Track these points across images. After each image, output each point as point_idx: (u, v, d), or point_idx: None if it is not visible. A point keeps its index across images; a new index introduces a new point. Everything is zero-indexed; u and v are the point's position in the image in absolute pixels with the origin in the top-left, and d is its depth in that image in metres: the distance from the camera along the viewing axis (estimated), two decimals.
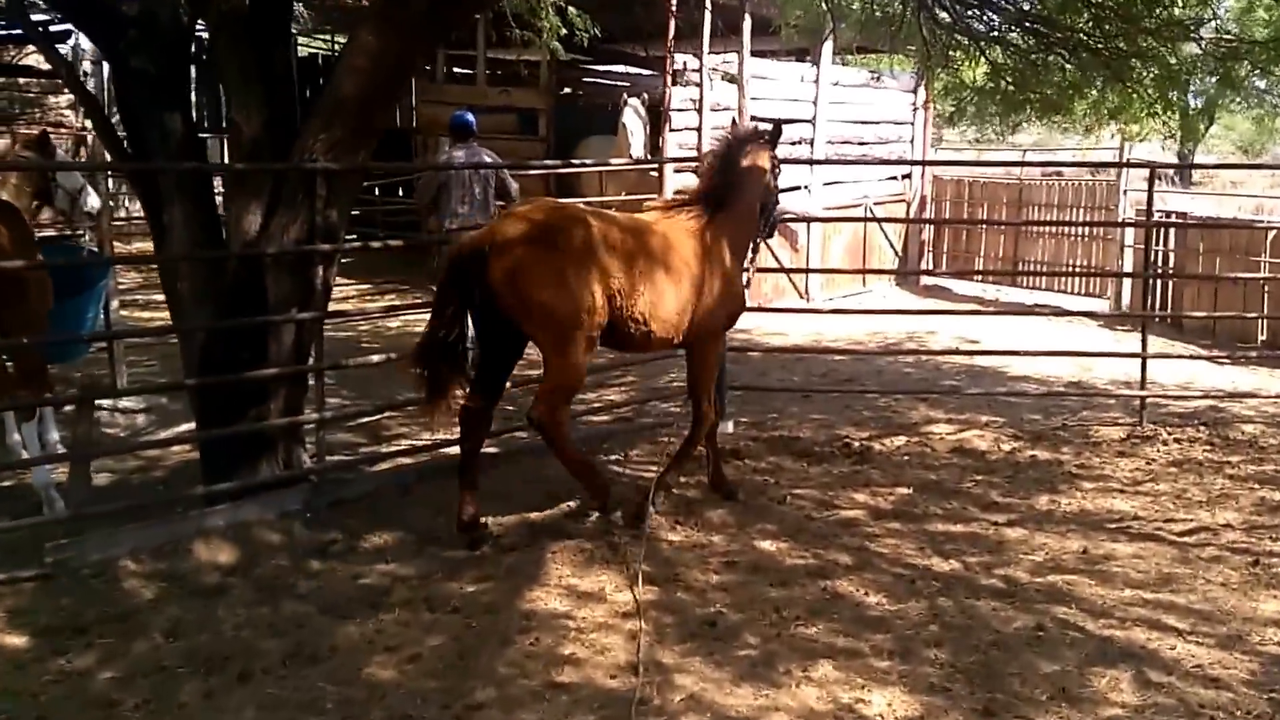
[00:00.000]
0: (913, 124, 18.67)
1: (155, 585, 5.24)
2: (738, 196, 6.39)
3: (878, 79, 15.98)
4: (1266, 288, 12.79)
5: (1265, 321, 13.08)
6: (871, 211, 17.51)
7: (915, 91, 18.42)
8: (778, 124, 6.75)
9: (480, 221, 9.74)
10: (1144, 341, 8.39)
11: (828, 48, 16.41)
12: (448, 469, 6.36)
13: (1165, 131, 9.90)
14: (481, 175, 9.34)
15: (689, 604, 5.11)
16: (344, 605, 5.08)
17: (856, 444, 7.77)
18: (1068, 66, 9.75)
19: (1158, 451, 7.77)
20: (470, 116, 9.84)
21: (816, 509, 6.45)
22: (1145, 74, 9.62)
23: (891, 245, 18.30)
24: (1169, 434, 8.08)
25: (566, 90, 18.36)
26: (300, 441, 6.50)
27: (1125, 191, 15.87)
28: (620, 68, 19.47)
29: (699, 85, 14.15)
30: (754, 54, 15.32)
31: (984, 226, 18.36)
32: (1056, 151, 24.59)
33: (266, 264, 5.96)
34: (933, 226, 19.02)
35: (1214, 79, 9.61)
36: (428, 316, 5.79)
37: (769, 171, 6.63)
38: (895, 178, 18.53)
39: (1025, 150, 22.63)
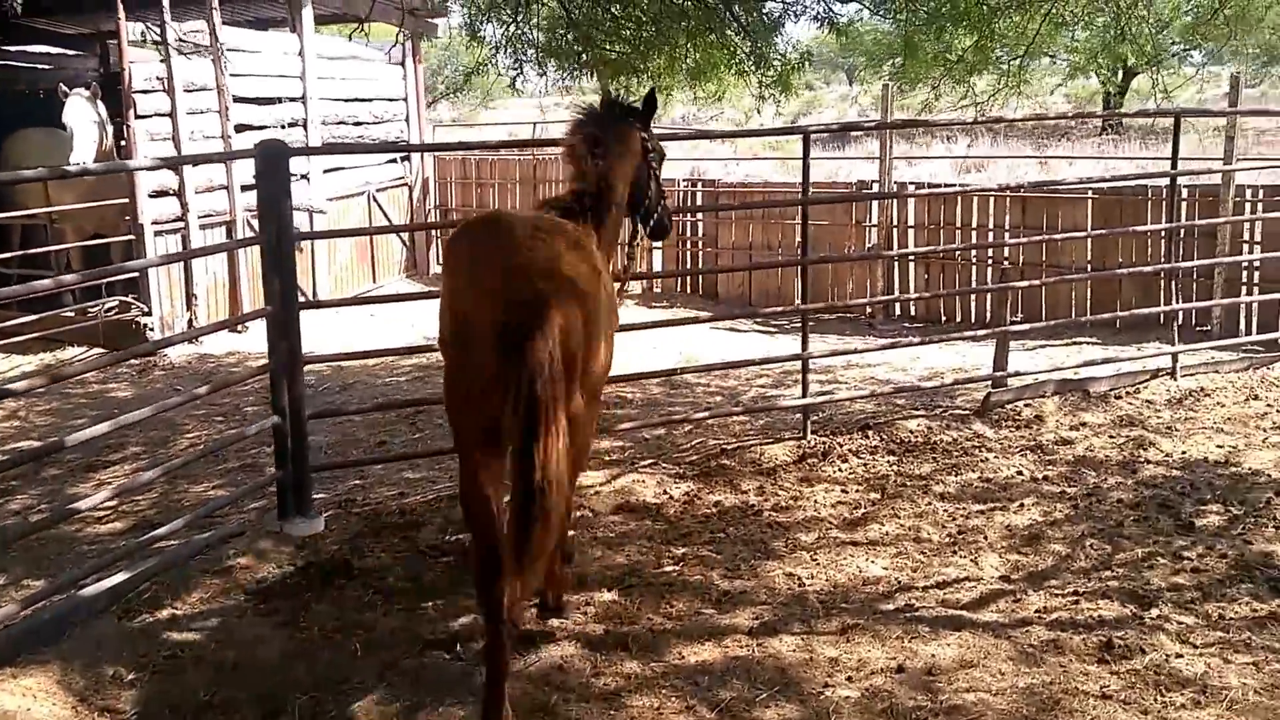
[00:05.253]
0: (406, 100, 16.54)
1: None
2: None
3: (392, 47, 13.60)
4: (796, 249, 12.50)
5: (801, 285, 12.73)
6: (375, 199, 15.31)
7: (404, 64, 16.35)
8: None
9: None
10: (804, 339, 6.97)
11: (308, 15, 13.84)
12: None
13: (756, 90, 8.72)
14: None
15: None
16: None
17: None
18: (644, 19, 8.19)
19: (841, 471, 6.40)
20: None
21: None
22: (736, 24, 8.29)
23: (401, 239, 16.16)
24: (840, 446, 6.75)
25: None
26: None
27: None
28: (43, 48, 15.65)
29: (166, 61, 11.13)
30: (227, 23, 12.49)
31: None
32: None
33: None
34: (439, 212, 17.11)
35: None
36: None
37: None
38: (395, 160, 16.38)
39: (535, 124, 21.22)
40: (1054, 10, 7.98)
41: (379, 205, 15.65)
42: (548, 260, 3.77)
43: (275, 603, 4.74)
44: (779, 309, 10.39)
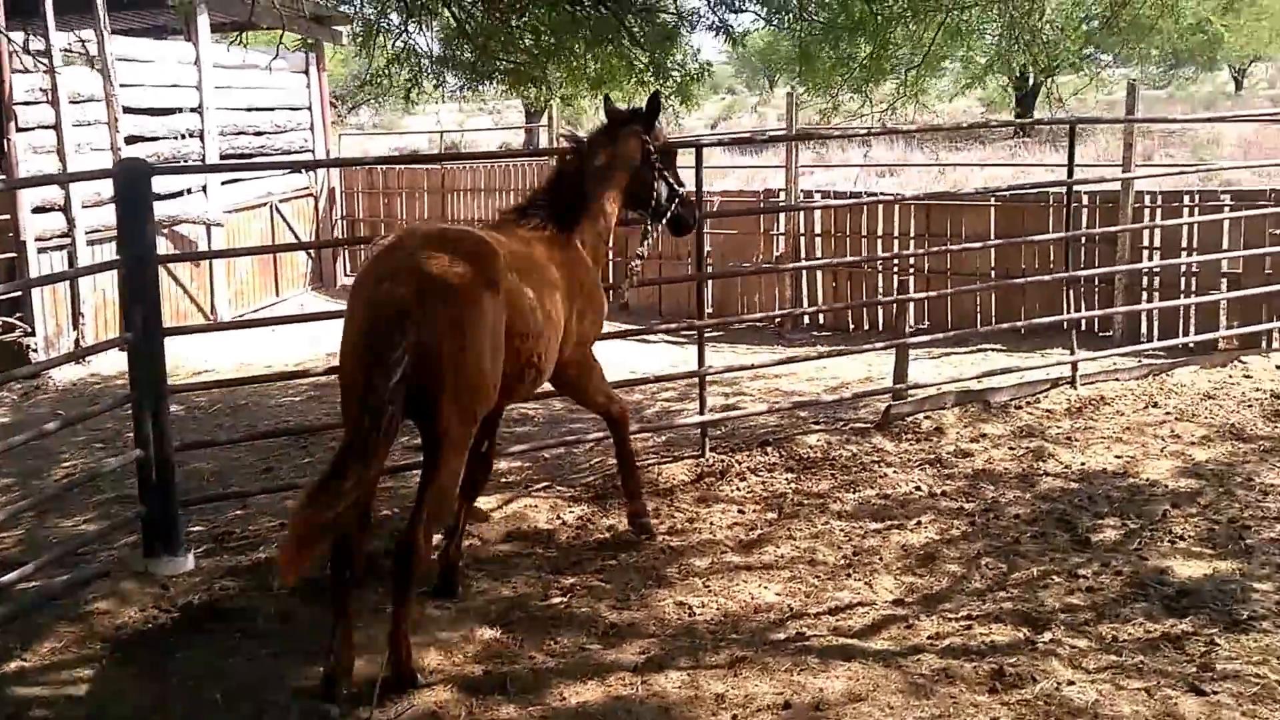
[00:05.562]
0: (310, 108, 16.17)
1: None
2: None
3: (274, 58, 13.19)
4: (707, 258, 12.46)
5: (697, 301, 12.71)
6: (279, 209, 14.91)
7: (308, 71, 15.99)
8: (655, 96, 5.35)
9: None
10: (700, 356, 6.83)
11: (204, 23, 13.42)
12: None
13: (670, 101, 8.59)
14: None
15: None
16: None
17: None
18: (541, 30, 8.02)
19: (738, 490, 6.28)
20: None
21: None
22: (630, 35, 8.15)
23: (308, 252, 15.78)
24: (739, 463, 6.64)
25: None
26: None
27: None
28: None
29: (50, 71, 10.70)
30: (119, 32, 12.09)
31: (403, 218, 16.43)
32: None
33: None
34: (346, 222, 16.76)
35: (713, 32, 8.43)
36: None
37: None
38: (299, 170, 15.99)
39: (446, 132, 20.88)
40: (948, 20, 7.96)
41: (282, 216, 15.25)
42: (424, 272, 3.83)
43: (134, 650, 4.47)
44: (675, 325, 10.26)
